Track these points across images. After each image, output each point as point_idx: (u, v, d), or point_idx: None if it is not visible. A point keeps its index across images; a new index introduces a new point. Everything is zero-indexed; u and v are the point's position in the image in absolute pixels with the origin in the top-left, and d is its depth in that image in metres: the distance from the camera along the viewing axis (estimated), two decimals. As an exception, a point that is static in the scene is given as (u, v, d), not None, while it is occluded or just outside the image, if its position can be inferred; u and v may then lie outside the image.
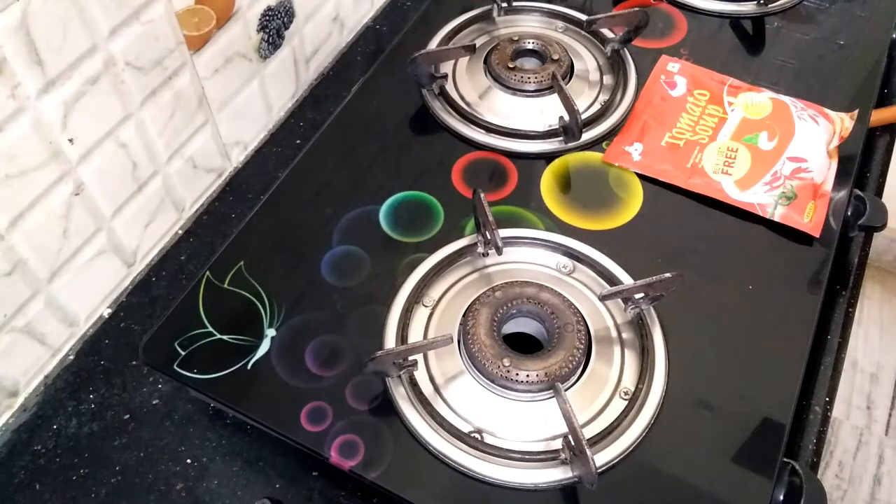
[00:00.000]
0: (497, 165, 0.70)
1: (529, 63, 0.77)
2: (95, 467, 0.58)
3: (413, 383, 0.55)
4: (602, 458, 0.51)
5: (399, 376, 0.55)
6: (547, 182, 0.68)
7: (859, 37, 0.81)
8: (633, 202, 0.67)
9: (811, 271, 0.63)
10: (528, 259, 0.63)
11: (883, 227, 0.69)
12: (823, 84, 0.76)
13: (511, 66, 0.74)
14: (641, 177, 0.69)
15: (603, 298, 0.59)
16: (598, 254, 0.62)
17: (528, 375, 0.53)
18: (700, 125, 0.72)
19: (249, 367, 0.56)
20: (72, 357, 0.65)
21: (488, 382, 0.55)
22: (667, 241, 0.64)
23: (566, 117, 0.70)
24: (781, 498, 0.52)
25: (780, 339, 0.58)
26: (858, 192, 0.69)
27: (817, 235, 0.64)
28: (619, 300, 0.59)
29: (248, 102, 0.76)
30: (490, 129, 0.72)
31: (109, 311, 0.68)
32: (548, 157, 0.70)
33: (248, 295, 0.60)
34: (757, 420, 0.54)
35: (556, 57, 0.75)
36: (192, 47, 0.65)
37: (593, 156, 0.71)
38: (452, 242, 0.63)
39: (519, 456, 0.52)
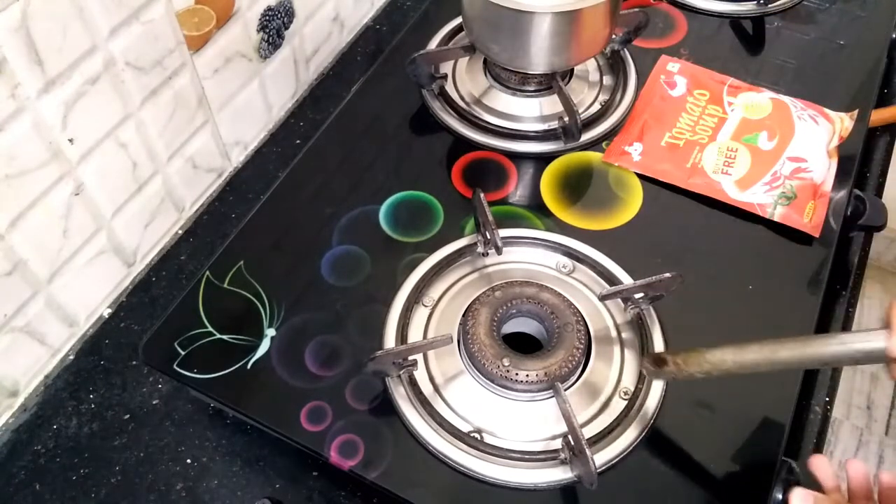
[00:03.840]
0: (497, 165, 0.70)
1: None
2: (95, 467, 0.58)
3: (413, 383, 0.55)
4: (602, 457, 0.51)
5: (399, 376, 0.55)
6: (547, 182, 0.68)
7: (859, 37, 0.81)
8: (633, 202, 0.67)
9: (811, 271, 0.63)
10: (527, 259, 0.63)
11: (883, 227, 0.69)
12: (823, 84, 0.76)
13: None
14: (641, 177, 0.69)
15: (603, 298, 0.59)
16: (598, 254, 0.62)
17: (527, 375, 0.53)
18: (700, 125, 0.72)
19: (249, 366, 0.56)
20: (72, 357, 0.65)
21: (488, 382, 0.55)
22: (667, 241, 0.64)
23: (566, 118, 0.70)
24: (781, 497, 0.52)
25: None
26: (858, 192, 0.69)
27: (817, 235, 0.64)
28: (619, 300, 0.59)
29: (248, 102, 0.76)
30: (490, 129, 0.72)
31: (109, 311, 0.68)
32: (548, 157, 0.70)
33: (247, 295, 0.60)
34: (757, 420, 0.54)
35: (555, 57, 0.75)
36: (192, 47, 0.65)
37: (593, 156, 0.71)
38: (452, 242, 0.63)
39: (519, 456, 0.52)
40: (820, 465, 0.51)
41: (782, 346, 0.45)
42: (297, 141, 0.80)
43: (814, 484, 0.52)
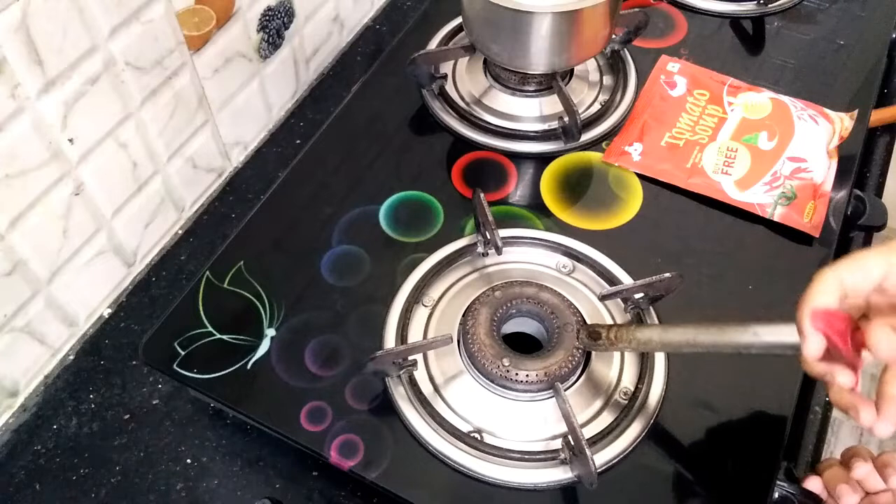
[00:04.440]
0: (497, 165, 0.70)
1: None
2: (95, 467, 0.58)
3: (413, 383, 0.55)
4: (602, 457, 0.51)
5: (399, 376, 0.55)
6: (547, 182, 0.68)
7: (859, 37, 0.81)
8: (633, 202, 0.67)
9: (811, 271, 0.62)
10: (527, 259, 0.63)
11: (883, 227, 0.69)
12: (823, 84, 0.76)
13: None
14: (641, 177, 0.69)
15: (603, 298, 0.59)
16: (597, 254, 0.62)
17: (527, 375, 0.53)
18: (700, 125, 0.72)
19: (249, 366, 0.56)
20: (72, 357, 0.65)
21: (488, 382, 0.55)
22: (667, 241, 0.64)
23: (566, 118, 0.70)
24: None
25: (780, 339, 0.58)
26: (858, 192, 0.69)
27: (817, 235, 0.64)
28: (619, 300, 0.59)
29: (248, 102, 0.76)
30: (490, 129, 0.72)
31: (109, 311, 0.68)
32: (548, 157, 0.70)
33: (247, 295, 0.60)
34: (757, 420, 0.54)
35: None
36: (192, 47, 0.65)
37: (593, 156, 0.71)
38: (452, 242, 0.63)
39: (519, 456, 0.52)
40: (813, 486, 0.52)
41: (702, 332, 0.47)
42: (297, 141, 0.80)
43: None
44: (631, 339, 0.51)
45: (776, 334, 0.43)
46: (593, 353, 0.56)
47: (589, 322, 0.57)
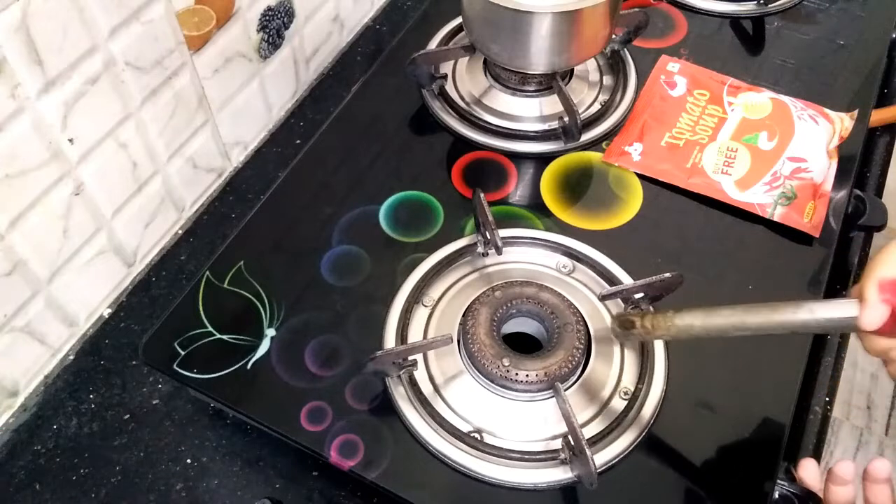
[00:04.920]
0: (497, 165, 0.70)
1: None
2: (95, 467, 0.58)
3: (413, 383, 0.55)
4: (602, 457, 0.51)
5: (399, 376, 0.55)
6: (547, 182, 0.68)
7: (859, 37, 0.81)
8: (633, 202, 0.67)
9: (811, 271, 0.63)
10: (527, 259, 0.63)
11: (883, 227, 0.69)
12: (823, 84, 0.77)
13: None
14: (641, 177, 0.69)
15: (603, 298, 0.59)
16: (597, 254, 0.62)
17: (527, 375, 0.53)
18: (700, 125, 0.72)
19: (249, 366, 0.56)
20: (72, 357, 0.65)
21: (488, 382, 0.55)
22: (667, 241, 0.64)
23: (566, 118, 0.70)
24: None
25: (780, 340, 0.58)
26: (858, 192, 0.69)
27: (817, 235, 0.64)
28: (619, 300, 0.59)
29: (248, 102, 0.76)
30: (490, 129, 0.72)
31: (109, 311, 0.68)
32: (548, 157, 0.70)
33: (247, 295, 0.60)
34: (757, 420, 0.54)
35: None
36: (192, 47, 0.65)
37: (593, 156, 0.71)
38: (452, 242, 0.63)
39: (519, 456, 0.52)
40: (808, 469, 0.51)
41: (752, 313, 0.45)
42: (297, 141, 0.80)
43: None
44: (669, 327, 0.49)
45: (834, 310, 0.42)
46: (593, 352, 0.56)
47: (589, 322, 0.57)
